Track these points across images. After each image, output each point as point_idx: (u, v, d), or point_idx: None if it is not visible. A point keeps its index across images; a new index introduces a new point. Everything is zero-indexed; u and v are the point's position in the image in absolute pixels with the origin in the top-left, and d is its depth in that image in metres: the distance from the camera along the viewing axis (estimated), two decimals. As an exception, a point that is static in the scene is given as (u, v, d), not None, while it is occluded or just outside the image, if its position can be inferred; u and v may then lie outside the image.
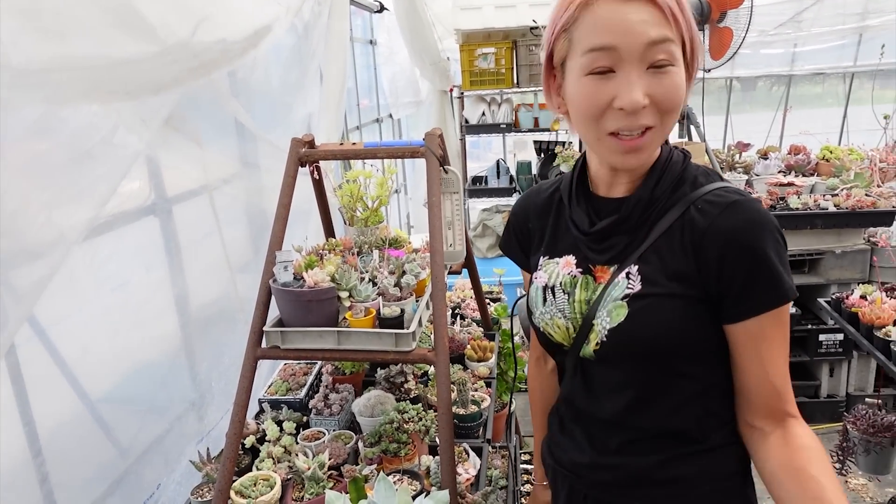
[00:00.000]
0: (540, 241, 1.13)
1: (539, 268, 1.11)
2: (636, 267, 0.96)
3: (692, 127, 3.50)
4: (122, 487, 1.51)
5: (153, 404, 1.70)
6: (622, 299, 0.96)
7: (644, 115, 0.88)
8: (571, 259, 1.05)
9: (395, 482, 1.48)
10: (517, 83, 4.17)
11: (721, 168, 3.63)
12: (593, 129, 0.92)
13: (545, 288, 1.07)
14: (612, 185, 1.02)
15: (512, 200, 5.08)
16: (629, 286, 0.96)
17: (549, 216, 1.12)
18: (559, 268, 1.06)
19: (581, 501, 1.12)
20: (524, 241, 1.18)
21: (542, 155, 4.61)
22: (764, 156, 4.23)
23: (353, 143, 1.71)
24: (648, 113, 0.88)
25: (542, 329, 1.09)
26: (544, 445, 1.23)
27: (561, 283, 1.05)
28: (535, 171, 4.69)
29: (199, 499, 1.50)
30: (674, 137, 3.65)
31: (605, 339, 0.97)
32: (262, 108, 2.16)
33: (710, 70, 3.24)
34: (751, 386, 0.95)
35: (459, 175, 1.78)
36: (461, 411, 1.81)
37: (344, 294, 1.50)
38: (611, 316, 0.96)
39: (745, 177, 3.82)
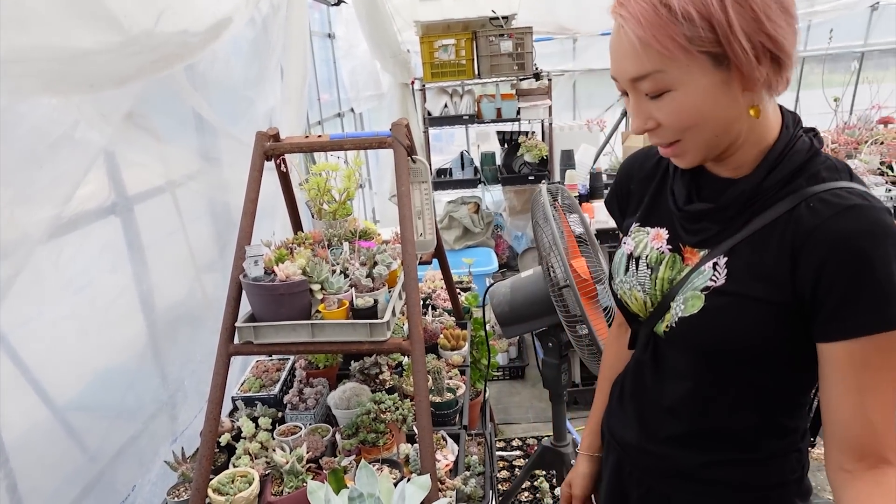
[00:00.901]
0: (637, 206, 1.08)
1: (629, 234, 1.06)
2: (725, 259, 0.89)
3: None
4: (96, 491, 1.48)
5: (123, 406, 1.67)
6: (702, 290, 0.90)
7: (659, 133, 0.87)
8: (664, 233, 0.99)
9: (375, 471, 1.48)
10: (478, 74, 4.18)
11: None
12: None
13: (629, 256, 1.04)
14: (712, 166, 0.94)
15: (478, 191, 5.10)
16: (713, 278, 0.90)
17: (653, 182, 1.05)
18: (648, 238, 1.02)
19: (627, 476, 1.12)
20: (623, 202, 1.14)
21: (506, 145, 4.63)
22: (721, 140, 4.33)
23: (319, 136, 1.70)
24: (664, 132, 0.86)
25: (619, 296, 1.06)
26: (605, 412, 1.21)
27: (646, 257, 1.00)
28: (499, 161, 4.72)
29: (176, 499, 1.48)
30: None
31: (674, 325, 0.94)
32: (223, 103, 2.13)
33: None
34: (842, 419, 0.83)
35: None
36: (437, 399, 1.82)
37: (316, 287, 1.49)
38: (685, 304, 0.92)
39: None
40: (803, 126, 0.91)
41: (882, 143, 3.83)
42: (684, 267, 0.95)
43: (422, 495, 1.10)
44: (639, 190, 1.09)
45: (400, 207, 1.53)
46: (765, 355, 0.88)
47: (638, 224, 1.05)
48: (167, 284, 1.92)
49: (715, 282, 0.89)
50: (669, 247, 0.98)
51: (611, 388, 1.20)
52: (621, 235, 1.11)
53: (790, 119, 0.90)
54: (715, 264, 0.90)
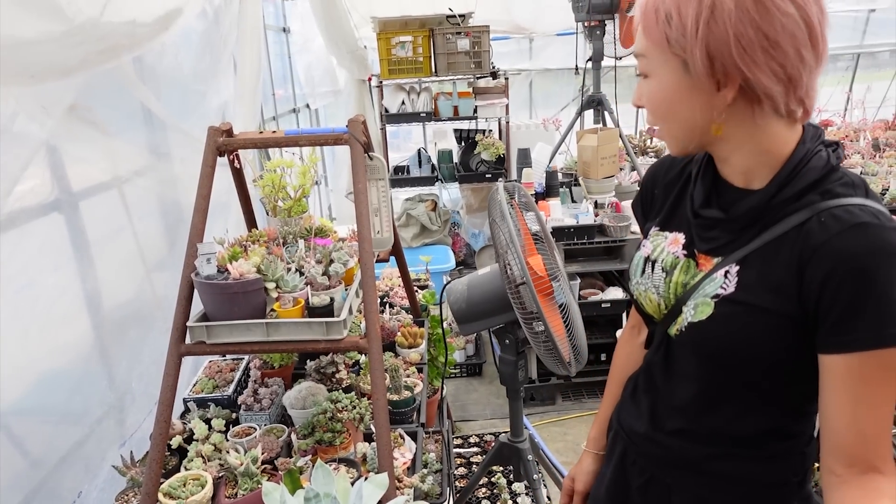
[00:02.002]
0: (658, 211, 1.10)
1: (648, 237, 1.09)
2: (737, 268, 0.91)
3: (606, 113, 3.63)
4: (40, 498, 1.42)
5: (68, 410, 1.61)
6: (712, 297, 0.92)
7: (647, 115, 0.93)
8: (681, 237, 1.01)
9: (331, 470, 1.47)
10: (435, 72, 4.18)
11: (634, 152, 3.78)
12: None
13: (646, 259, 1.06)
14: (724, 171, 0.96)
15: (435, 189, 5.10)
16: (723, 286, 0.91)
17: (675, 188, 1.07)
18: (665, 243, 1.04)
19: (630, 465, 1.14)
20: (647, 206, 1.16)
21: (463, 143, 4.64)
22: (672, 140, 4.44)
23: (273, 132, 1.67)
24: (648, 114, 0.93)
25: (635, 297, 1.09)
26: (615, 407, 1.23)
27: (662, 261, 1.03)
28: (456, 159, 4.72)
29: (125, 505, 1.43)
30: (589, 123, 3.77)
31: (683, 329, 0.96)
32: (173, 96, 2.06)
33: (620, 58, 3.36)
34: (835, 427, 0.85)
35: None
36: (395, 397, 1.81)
37: (271, 285, 1.47)
38: (696, 310, 0.94)
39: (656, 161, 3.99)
40: (824, 140, 0.90)
41: (835, 147, 3.96)
42: (698, 272, 0.97)
43: (379, 494, 1.10)
44: (662, 195, 1.11)
45: (357, 205, 1.52)
46: (771, 364, 0.90)
47: (657, 228, 1.08)
48: (114, 284, 1.86)
49: (725, 290, 0.91)
50: (685, 252, 1.00)
51: (624, 384, 1.22)
52: (642, 239, 1.13)
53: (810, 133, 0.90)
54: (727, 273, 0.92)
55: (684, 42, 0.81)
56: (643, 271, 1.06)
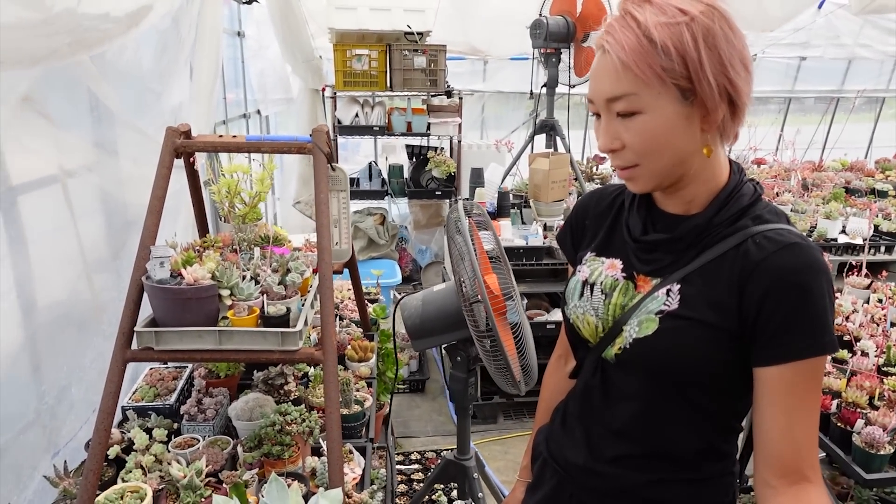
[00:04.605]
0: (592, 239, 1.14)
1: (584, 262, 1.12)
2: (678, 286, 0.96)
3: (558, 138, 3.72)
4: (-38, 510, 1.33)
5: (-5, 416, 1.51)
6: (656, 314, 0.96)
7: (621, 156, 0.93)
8: (618, 263, 1.05)
9: (285, 484, 1.43)
10: (391, 87, 4.20)
11: (582, 178, 3.88)
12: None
13: (584, 283, 1.09)
14: (665, 202, 1.02)
15: (384, 203, 5.09)
16: (666, 303, 0.96)
17: (608, 218, 1.12)
18: (603, 268, 1.07)
19: (567, 499, 1.13)
20: (577, 237, 1.19)
21: (414, 159, 4.67)
22: (617, 169, 4.60)
23: (234, 136, 1.64)
24: (626, 154, 0.93)
25: (571, 321, 1.10)
26: (541, 435, 1.23)
27: (601, 283, 1.06)
28: (406, 174, 4.74)
29: (56, 517, 1.36)
30: (540, 148, 3.86)
31: (628, 346, 0.99)
32: (129, 94, 2.00)
33: (574, 86, 3.46)
34: (771, 438, 0.90)
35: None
36: (345, 411, 1.80)
37: (225, 292, 1.43)
38: (640, 326, 0.97)
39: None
40: (746, 176, 1.02)
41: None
42: (636, 294, 1.01)
43: (334, 509, 1.08)
44: (593, 225, 1.15)
45: (318, 215, 1.51)
46: (709, 378, 0.95)
47: (594, 254, 1.11)
48: (52, 285, 1.77)
49: (668, 306, 0.96)
50: (623, 275, 1.04)
51: (551, 414, 1.23)
52: (570, 269, 1.17)
53: (736, 167, 1.01)
54: (668, 291, 0.97)
55: (685, 71, 0.86)
56: (581, 294, 1.09)
